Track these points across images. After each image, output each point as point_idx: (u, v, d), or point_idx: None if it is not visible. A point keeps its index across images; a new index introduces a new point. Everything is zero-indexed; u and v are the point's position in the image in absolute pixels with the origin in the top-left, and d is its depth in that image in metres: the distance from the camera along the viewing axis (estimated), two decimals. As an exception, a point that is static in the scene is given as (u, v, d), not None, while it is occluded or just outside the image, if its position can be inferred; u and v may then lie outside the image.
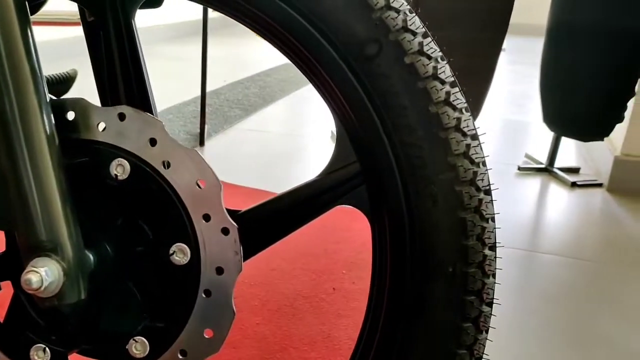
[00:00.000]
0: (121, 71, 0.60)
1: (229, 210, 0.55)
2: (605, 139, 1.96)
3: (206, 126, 2.29)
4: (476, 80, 1.87)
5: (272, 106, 3.00)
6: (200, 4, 0.60)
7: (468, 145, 0.54)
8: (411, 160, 0.53)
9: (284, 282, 1.29)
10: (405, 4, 0.55)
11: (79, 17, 0.68)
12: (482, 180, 0.55)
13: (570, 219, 1.81)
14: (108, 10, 0.60)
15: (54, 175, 0.50)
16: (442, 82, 0.54)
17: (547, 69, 1.96)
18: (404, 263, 0.56)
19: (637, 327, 1.26)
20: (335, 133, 0.58)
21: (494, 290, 0.57)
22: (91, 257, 0.53)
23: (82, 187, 0.54)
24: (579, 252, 1.59)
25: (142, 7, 0.63)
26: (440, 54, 0.55)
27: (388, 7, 0.53)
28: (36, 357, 0.57)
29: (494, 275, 0.56)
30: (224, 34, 5.09)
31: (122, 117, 0.54)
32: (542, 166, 2.19)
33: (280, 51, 0.58)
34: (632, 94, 1.83)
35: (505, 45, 1.78)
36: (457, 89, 0.55)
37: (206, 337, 0.55)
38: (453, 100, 0.54)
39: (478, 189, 0.54)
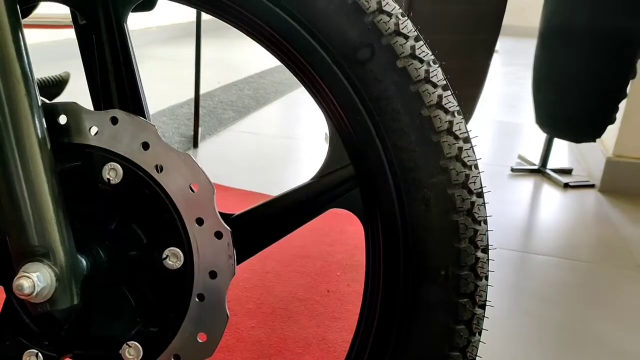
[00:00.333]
0: (114, 75, 0.60)
1: (222, 214, 0.55)
2: (597, 140, 1.97)
3: (200, 128, 2.28)
4: (469, 83, 1.87)
5: (266, 108, 3.00)
6: (194, 7, 0.60)
7: (460, 149, 0.54)
8: (404, 164, 0.54)
9: (278, 285, 1.29)
10: (397, 7, 0.55)
11: (71, 20, 0.68)
12: (474, 183, 0.55)
13: (563, 220, 1.82)
14: (100, 13, 0.60)
15: (45, 180, 0.50)
16: (434, 86, 0.54)
17: (540, 71, 1.97)
18: (397, 266, 0.56)
19: (630, 328, 1.27)
20: (328, 135, 0.58)
21: (486, 292, 0.57)
22: (84, 261, 0.53)
23: (74, 191, 0.54)
24: (572, 252, 1.60)
25: (134, 11, 0.63)
26: (432, 57, 0.56)
27: (380, 10, 0.53)
28: (29, 363, 0.57)
29: (486, 278, 0.57)
30: (217, 36, 5.09)
31: (114, 121, 0.54)
32: (535, 167, 2.20)
33: (274, 55, 0.58)
34: (623, 95, 1.84)
35: (498, 46, 1.78)
36: (449, 92, 0.55)
37: (200, 341, 0.55)
38: (445, 104, 0.54)
39: (470, 192, 0.55)
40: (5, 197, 0.49)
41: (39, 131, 0.50)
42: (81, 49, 0.66)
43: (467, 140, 0.55)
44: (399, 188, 0.54)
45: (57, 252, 0.50)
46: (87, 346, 0.57)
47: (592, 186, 2.08)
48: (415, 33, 0.55)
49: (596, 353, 1.17)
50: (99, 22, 0.60)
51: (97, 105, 0.64)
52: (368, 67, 0.53)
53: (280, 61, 0.58)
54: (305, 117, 2.88)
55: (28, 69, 0.51)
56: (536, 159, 2.23)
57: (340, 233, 1.55)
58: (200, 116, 2.27)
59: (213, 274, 0.54)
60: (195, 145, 2.23)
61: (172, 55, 4.20)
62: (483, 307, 0.57)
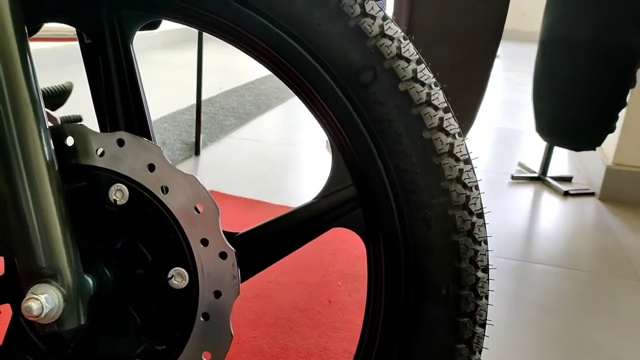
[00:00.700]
0: (119, 95, 0.61)
1: (225, 233, 0.56)
2: (597, 148, 1.98)
3: (201, 135, 2.29)
4: (470, 91, 1.88)
5: (268, 114, 3.01)
6: (198, 29, 0.61)
7: (461, 170, 0.55)
8: (405, 185, 0.55)
9: (280, 295, 1.30)
10: (399, 31, 0.56)
11: (76, 35, 0.69)
12: (475, 204, 0.56)
13: (563, 229, 1.83)
14: (107, 34, 0.61)
15: (53, 202, 0.51)
16: (436, 108, 0.55)
17: (540, 80, 1.98)
18: (399, 285, 0.57)
19: (630, 337, 1.28)
20: (329, 143, 0.59)
21: (487, 311, 0.58)
22: (90, 281, 0.54)
23: (81, 212, 0.55)
24: (572, 262, 1.61)
25: (140, 30, 0.64)
26: (434, 80, 0.56)
27: (382, 34, 0.54)
28: (35, 380, 0.58)
29: (486, 297, 0.57)
30: (218, 41, 5.10)
31: (121, 143, 0.55)
32: (535, 175, 2.21)
33: (278, 77, 0.59)
34: (623, 104, 1.85)
35: (498, 51, 1.79)
36: (450, 115, 0.56)
37: (204, 359, 0.56)
38: (446, 126, 0.55)
39: (471, 213, 0.55)
40: (14, 219, 0.50)
41: (47, 153, 0.51)
42: (87, 67, 0.67)
43: (467, 162, 0.56)
44: (401, 209, 0.55)
45: (65, 273, 0.50)
46: (93, 364, 0.58)
47: (592, 194, 2.09)
48: (417, 56, 0.56)
49: (596, 364, 1.18)
50: (105, 42, 0.61)
51: (102, 125, 0.65)
52: (370, 90, 0.54)
53: (285, 83, 0.59)
54: (306, 124, 2.89)
55: (36, 92, 0.52)
56: (536, 167, 2.24)
57: (342, 242, 1.55)
58: (201, 123, 2.28)
59: (217, 294, 0.55)
60: (197, 152, 2.24)
61: (173, 60, 4.22)
62: (483, 325, 0.57)
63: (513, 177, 2.21)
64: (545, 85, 1.97)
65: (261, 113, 2.99)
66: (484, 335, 0.58)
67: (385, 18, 0.55)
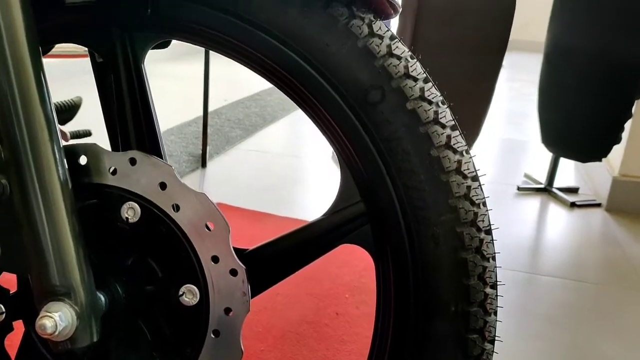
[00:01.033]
0: (131, 114, 0.62)
1: (235, 249, 0.57)
2: (603, 159, 1.98)
3: (208, 147, 2.30)
4: (475, 103, 1.89)
5: (273, 126, 3.02)
6: (208, 49, 0.62)
7: (469, 187, 0.56)
8: (414, 203, 0.55)
9: (288, 308, 1.30)
10: (407, 50, 0.57)
11: (87, 52, 0.70)
12: (483, 221, 0.56)
13: (570, 240, 1.83)
14: (119, 54, 0.62)
15: (67, 220, 0.51)
16: (443, 127, 0.56)
17: (546, 91, 1.99)
18: (408, 301, 0.57)
19: (638, 349, 1.27)
20: (336, 157, 0.60)
21: (495, 328, 0.58)
22: (102, 298, 0.54)
23: (93, 229, 0.56)
24: (578, 273, 1.60)
25: (151, 49, 0.65)
26: (441, 98, 0.57)
27: (390, 54, 0.55)
28: (47, 396, 0.58)
29: (495, 313, 0.58)
30: (224, 53, 5.12)
31: (133, 161, 0.55)
32: (542, 186, 2.21)
33: (288, 95, 0.60)
34: (629, 115, 1.86)
35: (503, 62, 1.80)
36: (457, 132, 0.57)
37: (215, 375, 0.57)
38: (454, 144, 0.56)
39: (479, 230, 0.56)
40: (28, 237, 0.51)
41: (60, 172, 0.52)
42: (98, 86, 0.68)
43: (475, 179, 0.57)
44: (409, 226, 0.56)
45: (78, 291, 0.51)
46: (105, 380, 0.59)
47: (598, 205, 2.08)
48: (424, 75, 0.57)
49: (604, 377, 1.17)
50: (117, 62, 0.62)
51: (114, 142, 0.66)
52: (379, 108, 0.55)
53: (294, 101, 0.60)
54: (311, 135, 2.91)
55: (50, 112, 0.52)
56: (542, 178, 2.24)
57: (349, 255, 1.56)
58: (207, 135, 2.29)
59: (228, 310, 0.56)
60: (204, 164, 2.26)
61: (178, 72, 4.24)
62: (492, 342, 0.58)
63: (519, 188, 2.21)
64: (551, 96, 1.98)
65: (267, 125, 3.01)
66: (492, 351, 0.58)
67: (392, 38, 0.56)
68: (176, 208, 0.55)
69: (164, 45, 0.68)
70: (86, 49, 0.66)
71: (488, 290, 0.57)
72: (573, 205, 2.07)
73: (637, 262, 1.69)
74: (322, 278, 1.44)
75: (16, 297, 0.59)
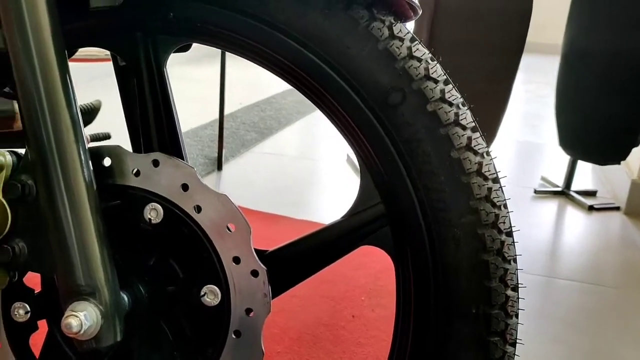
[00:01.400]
0: (154, 117, 0.62)
1: (256, 250, 0.57)
2: (622, 162, 1.96)
3: (223, 150, 2.32)
4: (492, 104, 1.88)
5: (288, 128, 3.03)
6: (230, 52, 0.63)
7: (490, 189, 0.55)
8: (434, 204, 0.55)
9: (304, 310, 1.30)
10: (427, 52, 0.57)
11: (110, 56, 0.71)
12: (504, 223, 0.56)
13: (588, 244, 1.81)
14: (141, 58, 0.62)
15: (92, 222, 0.52)
16: (464, 128, 0.55)
17: (563, 93, 1.97)
18: (428, 303, 0.57)
19: (659, 356, 1.25)
20: (355, 160, 0.60)
21: (516, 330, 0.58)
22: (126, 298, 0.55)
23: (117, 230, 0.56)
24: (597, 277, 1.59)
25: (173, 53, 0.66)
26: (462, 100, 0.57)
27: (411, 56, 0.55)
28: (71, 394, 0.59)
29: (516, 316, 0.57)
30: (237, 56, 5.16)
31: (156, 163, 0.56)
32: (559, 189, 2.19)
33: (308, 97, 0.60)
34: (648, 117, 1.84)
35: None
36: (477, 134, 0.57)
37: (235, 376, 0.57)
38: (474, 146, 0.55)
39: (500, 232, 0.56)
40: (54, 238, 0.52)
41: (86, 174, 0.53)
42: (120, 89, 0.69)
43: (496, 180, 0.57)
44: (430, 227, 0.56)
45: (103, 291, 0.52)
46: (127, 379, 0.59)
47: (617, 209, 2.06)
48: (445, 77, 0.57)
49: (625, 382, 1.16)
50: (140, 65, 0.63)
51: (135, 144, 0.67)
52: (399, 110, 0.55)
53: (314, 103, 0.60)
54: (326, 138, 2.91)
55: (76, 115, 0.53)
56: (560, 181, 2.22)
57: (365, 257, 1.56)
58: (223, 137, 2.31)
59: (249, 311, 0.56)
60: (220, 167, 2.27)
61: (195, 75, 4.27)
62: (514, 345, 0.57)
63: (536, 192, 2.19)
64: (568, 98, 1.96)
65: (282, 127, 3.02)
66: (514, 354, 0.57)
67: (413, 40, 0.56)
68: (198, 209, 0.56)
69: (185, 48, 0.69)
70: (107, 52, 0.67)
71: (509, 292, 0.56)
72: (591, 208, 2.05)
73: (657, 266, 1.67)
74: (337, 280, 1.44)
75: (41, 296, 0.60)
